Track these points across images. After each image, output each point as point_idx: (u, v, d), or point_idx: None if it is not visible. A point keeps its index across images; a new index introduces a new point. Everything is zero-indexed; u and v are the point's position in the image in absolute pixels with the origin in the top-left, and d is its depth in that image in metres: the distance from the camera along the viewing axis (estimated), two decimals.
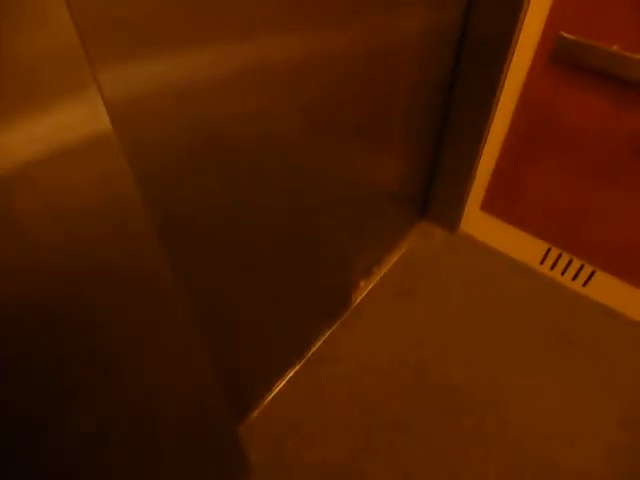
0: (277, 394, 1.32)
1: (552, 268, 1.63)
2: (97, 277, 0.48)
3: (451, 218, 1.75)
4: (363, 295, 1.56)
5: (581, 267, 1.55)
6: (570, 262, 1.57)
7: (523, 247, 1.66)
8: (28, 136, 0.38)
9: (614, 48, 1.12)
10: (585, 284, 1.58)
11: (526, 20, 1.20)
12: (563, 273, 1.61)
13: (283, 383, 1.34)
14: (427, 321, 1.50)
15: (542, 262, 1.64)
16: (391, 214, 1.62)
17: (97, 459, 0.65)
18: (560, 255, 1.58)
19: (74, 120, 0.39)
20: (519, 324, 1.50)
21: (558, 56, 1.22)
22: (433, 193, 1.73)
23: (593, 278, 1.55)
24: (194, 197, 0.69)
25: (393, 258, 1.69)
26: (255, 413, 1.28)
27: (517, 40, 1.24)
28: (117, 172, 0.44)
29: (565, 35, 1.17)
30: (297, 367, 1.37)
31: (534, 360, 1.41)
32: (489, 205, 1.66)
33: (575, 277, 1.59)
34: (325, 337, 1.44)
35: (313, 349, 1.41)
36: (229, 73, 0.64)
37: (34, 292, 0.44)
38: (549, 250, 1.60)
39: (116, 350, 0.57)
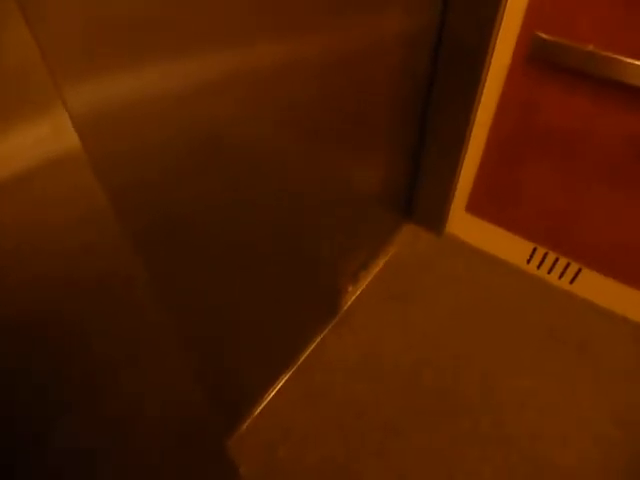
0: (268, 403, 1.30)
1: (539, 267, 1.64)
2: (70, 291, 0.47)
3: (436, 220, 1.76)
4: (352, 300, 1.55)
5: (567, 265, 1.56)
6: (556, 261, 1.58)
7: (509, 247, 1.66)
8: None
9: (590, 48, 1.13)
10: (572, 282, 1.59)
11: (503, 21, 1.22)
12: (550, 272, 1.62)
13: (274, 392, 1.32)
14: (417, 324, 1.50)
15: (528, 262, 1.65)
16: (376, 218, 1.62)
17: (80, 476, 0.64)
18: (546, 254, 1.59)
19: (39, 138, 0.38)
20: (509, 323, 1.50)
21: (535, 56, 1.23)
22: (418, 196, 1.73)
23: (579, 276, 1.56)
24: (169, 206, 0.68)
25: (380, 262, 1.68)
26: (246, 424, 1.26)
27: (495, 41, 1.25)
28: (86, 186, 0.43)
29: (541, 35, 1.19)
30: (287, 375, 1.36)
31: (526, 359, 1.41)
32: (474, 206, 1.67)
33: (561, 275, 1.60)
34: (315, 344, 1.43)
35: (303, 356, 1.40)
36: (206, 81, 0.63)
37: (6, 307, 0.43)
38: (535, 250, 1.61)
39: (92, 365, 0.56)
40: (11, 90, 0.36)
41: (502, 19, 1.21)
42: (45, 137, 0.38)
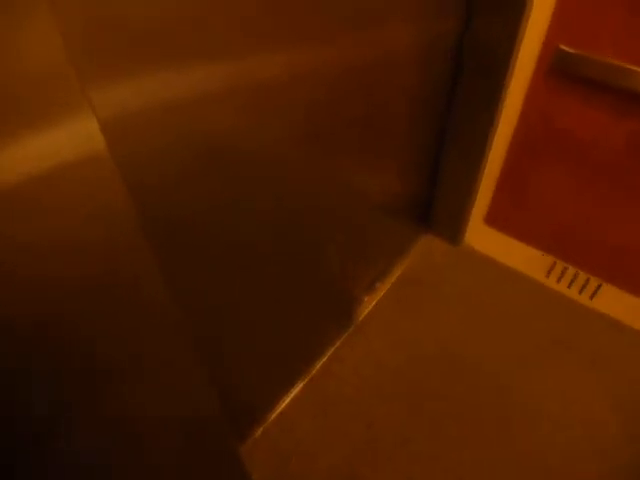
0: (281, 412, 1.30)
1: (558, 281, 1.61)
2: (88, 289, 0.48)
3: (454, 231, 1.75)
4: (367, 311, 1.55)
5: (587, 280, 1.54)
6: (576, 275, 1.56)
7: (528, 260, 1.65)
8: (18, 156, 0.38)
9: (611, 60, 1.13)
10: (592, 297, 1.56)
11: (526, 32, 1.21)
12: (569, 286, 1.59)
13: (287, 400, 1.32)
14: (432, 336, 1.48)
15: (548, 275, 1.63)
16: (393, 228, 1.62)
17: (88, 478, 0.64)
18: (565, 268, 1.57)
19: (66, 140, 0.39)
20: (525, 338, 1.48)
21: (557, 68, 1.23)
22: (436, 206, 1.73)
23: (600, 291, 1.53)
24: (190, 210, 0.69)
25: (396, 272, 1.67)
26: (259, 431, 1.26)
27: (518, 52, 1.25)
28: (111, 188, 0.44)
29: (564, 48, 1.18)
30: (301, 384, 1.35)
31: (540, 372, 1.38)
32: (493, 218, 1.65)
33: (582, 290, 1.57)
34: (329, 353, 1.43)
35: (317, 365, 1.40)
36: (222, 88, 0.64)
37: (29, 304, 0.44)
38: (555, 263, 1.59)
39: (105, 365, 0.57)
40: (42, 92, 0.37)
41: (525, 31, 1.21)
42: (72, 137, 0.39)
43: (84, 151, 0.40)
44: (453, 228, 1.74)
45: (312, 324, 1.34)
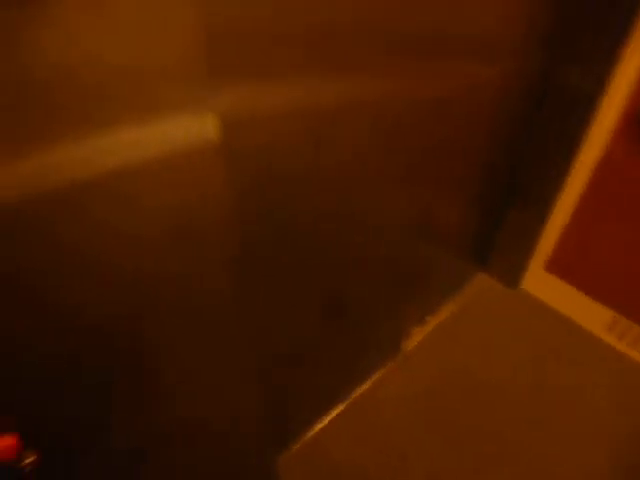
0: (319, 431, 1.30)
1: (620, 339, 1.54)
2: (174, 286, 0.51)
3: (512, 274, 1.71)
4: (415, 342, 1.53)
5: None
6: None
7: (588, 313, 1.58)
8: (140, 137, 0.42)
9: None
10: None
11: (614, 83, 1.20)
12: (632, 346, 1.51)
13: (326, 421, 1.32)
14: (475, 376, 1.44)
15: (609, 331, 1.55)
16: (448, 263, 1.60)
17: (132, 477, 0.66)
18: (630, 327, 1.50)
19: (185, 129, 0.44)
20: (574, 390, 1.41)
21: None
22: (496, 247, 1.70)
23: None
24: (271, 218, 0.73)
25: (448, 308, 1.65)
26: (294, 448, 1.26)
27: (601, 102, 1.23)
28: (215, 179, 0.48)
29: None
30: (341, 407, 1.35)
31: (589, 439, 1.32)
32: (554, 265, 1.61)
33: None
34: (373, 380, 1.42)
35: (359, 390, 1.39)
36: (323, 104, 0.69)
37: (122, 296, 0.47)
38: (617, 319, 1.52)
39: (171, 366, 0.59)
40: (172, 81, 0.42)
41: (613, 81, 1.19)
42: (191, 127, 0.44)
43: (198, 141, 0.44)
44: (511, 271, 1.70)
45: (360, 349, 1.34)
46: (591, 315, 1.57)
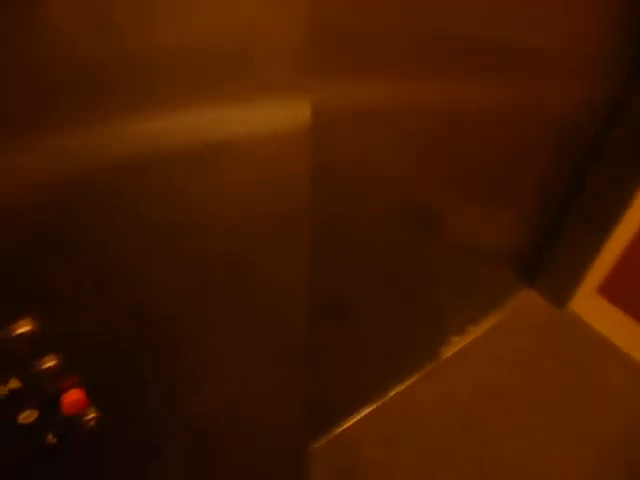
0: (346, 429, 1.30)
1: None
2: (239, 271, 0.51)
3: (561, 293, 1.66)
4: (453, 351, 1.50)
5: None
6: None
7: (636, 341, 1.52)
8: (235, 115, 0.42)
9: None
10: None
11: None
12: None
13: (354, 420, 1.31)
14: (510, 391, 1.41)
15: None
16: (497, 276, 1.57)
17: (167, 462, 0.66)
18: None
19: (280, 111, 0.44)
20: (612, 417, 1.36)
21: None
22: (547, 264, 1.65)
23: None
24: (343, 213, 0.72)
25: (491, 321, 1.61)
26: (321, 442, 1.26)
27: None
28: (300, 165, 0.47)
29: None
30: (371, 407, 1.34)
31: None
32: (607, 289, 1.55)
33: None
34: (407, 384, 1.40)
35: (392, 393, 1.38)
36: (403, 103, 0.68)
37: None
38: None
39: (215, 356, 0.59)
40: (276, 64, 0.41)
41: None
42: (285, 112, 0.44)
43: (290, 126, 0.44)
44: (561, 290, 1.65)
45: (398, 352, 1.33)
46: (638, 343, 1.51)
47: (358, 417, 1.32)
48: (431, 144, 0.85)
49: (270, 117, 0.44)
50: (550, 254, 1.61)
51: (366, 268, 0.92)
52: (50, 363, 0.42)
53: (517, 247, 1.52)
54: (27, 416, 0.42)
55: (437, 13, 0.64)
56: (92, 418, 0.47)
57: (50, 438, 0.44)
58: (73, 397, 0.44)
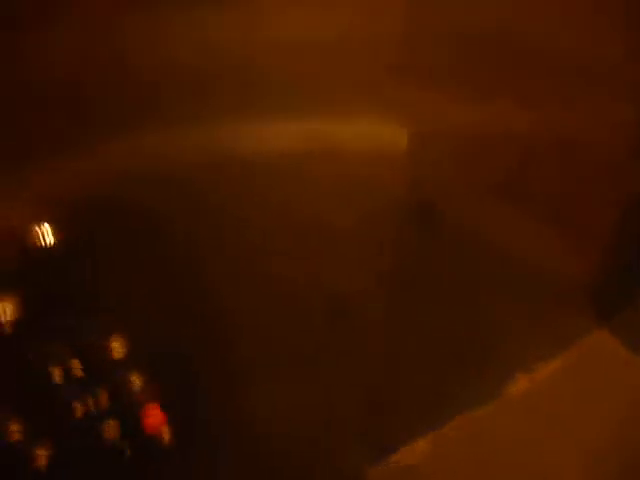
0: (402, 454, 1.26)
1: None
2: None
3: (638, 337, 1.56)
4: (517, 388, 1.44)
5: None
6: None
7: None
8: (327, 129, 0.42)
9: None
10: None
11: None
12: None
13: (412, 445, 1.27)
14: (574, 435, 1.32)
15: None
16: (567, 314, 1.50)
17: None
18: None
19: (375, 130, 0.43)
20: None
21: None
22: (627, 303, 1.55)
23: None
24: None
25: (560, 360, 1.53)
26: (376, 468, 1.23)
27: None
28: (396, 189, 0.47)
29: None
30: (431, 436, 1.30)
31: None
32: None
33: None
34: (469, 415, 1.35)
35: (453, 423, 1.32)
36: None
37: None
38: None
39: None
40: (374, 84, 0.41)
41: None
42: (382, 133, 0.43)
43: (385, 145, 0.44)
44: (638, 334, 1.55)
45: (458, 381, 1.29)
46: None
47: (415, 445, 1.29)
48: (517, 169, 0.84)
49: (365, 134, 0.44)
50: (633, 294, 1.52)
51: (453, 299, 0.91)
52: (136, 381, 0.43)
53: (592, 284, 1.48)
54: (110, 431, 0.43)
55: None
56: (168, 437, 0.48)
57: (129, 455, 0.45)
58: (154, 415, 0.45)
